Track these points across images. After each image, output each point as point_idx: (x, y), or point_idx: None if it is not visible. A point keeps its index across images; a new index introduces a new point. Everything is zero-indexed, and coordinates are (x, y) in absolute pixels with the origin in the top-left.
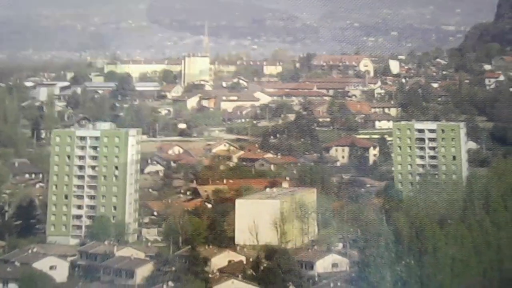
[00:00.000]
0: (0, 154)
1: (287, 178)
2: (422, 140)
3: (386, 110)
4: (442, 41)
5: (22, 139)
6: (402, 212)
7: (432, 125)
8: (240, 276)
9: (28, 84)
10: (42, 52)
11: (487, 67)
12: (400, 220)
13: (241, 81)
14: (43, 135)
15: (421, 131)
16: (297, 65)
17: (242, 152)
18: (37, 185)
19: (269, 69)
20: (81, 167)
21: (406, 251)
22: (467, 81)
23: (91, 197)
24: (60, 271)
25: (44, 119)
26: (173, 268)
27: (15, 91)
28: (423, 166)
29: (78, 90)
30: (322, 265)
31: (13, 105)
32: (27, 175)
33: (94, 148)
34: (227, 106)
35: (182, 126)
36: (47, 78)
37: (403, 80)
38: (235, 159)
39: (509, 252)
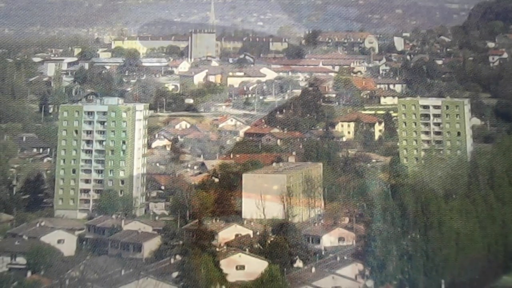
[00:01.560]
0: (8, 129)
1: (293, 153)
2: (427, 116)
3: (391, 86)
4: (446, 19)
5: (30, 114)
6: (408, 187)
7: (437, 101)
8: (247, 249)
9: (36, 59)
10: (49, 28)
11: (491, 44)
12: (406, 194)
13: (247, 57)
14: (50, 110)
15: (425, 107)
16: (303, 41)
17: (248, 127)
18: (45, 160)
19: (275, 46)
20: (88, 142)
21: (412, 226)
22: (471, 58)
23: (99, 172)
24: (68, 244)
25: (52, 94)
26: (181, 242)
27: (23, 67)
28: (428, 141)
29: (86, 65)
30: (329, 239)
31: (20, 81)
32: (35, 150)
33: (102, 123)
34: (234, 81)
35: (189, 101)
36: (54, 54)
37: (408, 57)
38: (241, 134)
39: None
